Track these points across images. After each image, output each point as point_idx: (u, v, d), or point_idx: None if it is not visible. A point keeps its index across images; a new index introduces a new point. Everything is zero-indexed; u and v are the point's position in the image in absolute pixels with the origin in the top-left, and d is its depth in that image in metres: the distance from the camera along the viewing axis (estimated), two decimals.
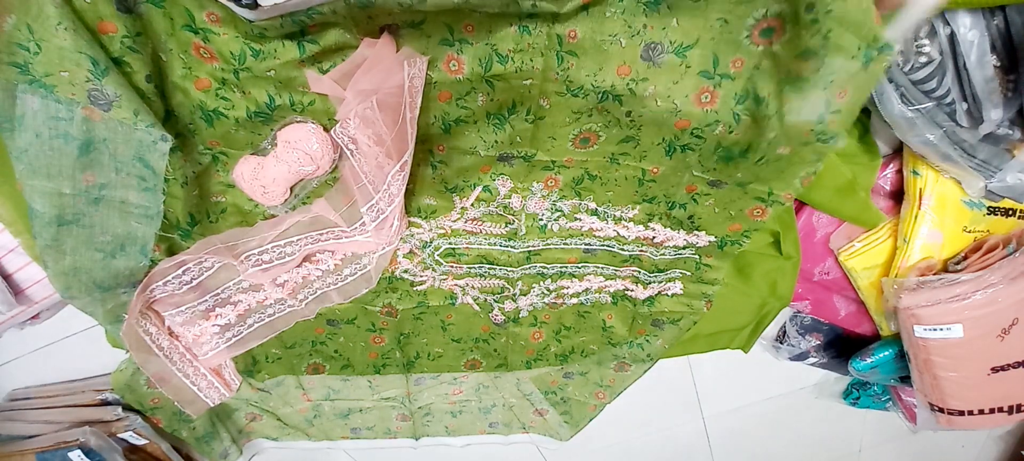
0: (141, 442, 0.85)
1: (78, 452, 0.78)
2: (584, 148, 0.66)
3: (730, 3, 0.52)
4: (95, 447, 0.79)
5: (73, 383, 0.88)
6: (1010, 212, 0.77)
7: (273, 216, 0.68)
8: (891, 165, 0.79)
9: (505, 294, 0.81)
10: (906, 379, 0.89)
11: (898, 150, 0.78)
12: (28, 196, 0.55)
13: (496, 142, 0.65)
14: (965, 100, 0.64)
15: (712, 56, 0.55)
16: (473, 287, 0.80)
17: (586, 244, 0.76)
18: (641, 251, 0.77)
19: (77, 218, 0.58)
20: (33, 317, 0.77)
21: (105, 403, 0.85)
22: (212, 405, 0.81)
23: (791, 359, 0.99)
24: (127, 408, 0.84)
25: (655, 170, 0.68)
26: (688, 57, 0.55)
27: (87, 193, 0.57)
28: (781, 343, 0.98)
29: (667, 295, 0.81)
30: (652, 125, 0.62)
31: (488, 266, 0.77)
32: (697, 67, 0.56)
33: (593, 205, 0.72)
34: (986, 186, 0.71)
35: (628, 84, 0.57)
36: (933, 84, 0.64)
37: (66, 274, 0.61)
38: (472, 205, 0.72)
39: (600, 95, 0.59)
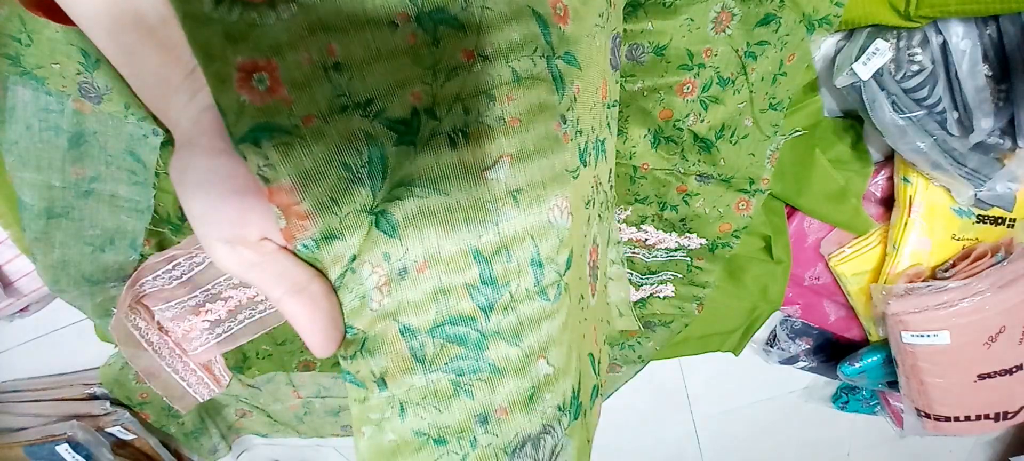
0: (129, 437, 0.84)
1: (66, 446, 0.78)
2: None
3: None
4: (83, 441, 0.79)
5: (61, 376, 0.87)
6: (999, 221, 0.78)
7: None
8: (882, 172, 0.79)
9: None
10: (894, 384, 0.90)
11: (890, 157, 0.79)
12: (17, 188, 0.55)
13: None
14: (956, 109, 0.65)
15: (685, 51, 0.59)
16: None
17: None
18: (633, 253, 0.77)
19: (66, 211, 0.58)
20: (22, 309, 0.76)
21: (93, 397, 0.84)
22: (201, 401, 0.81)
23: (781, 363, 1.00)
24: (115, 403, 0.84)
25: (645, 166, 0.68)
26: (666, 54, 0.60)
27: (77, 186, 0.57)
28: (771, 346, 0.99)
29: (659, 297, 0.81)
30: (638, 115, 0.63)
31: None
32: (676, 62, 0.60)
33: None
34: (975, 194, 0.71)
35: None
36: (925, 93, 0.64)
37: (54, 267, 0.61)
38: None
39: None
